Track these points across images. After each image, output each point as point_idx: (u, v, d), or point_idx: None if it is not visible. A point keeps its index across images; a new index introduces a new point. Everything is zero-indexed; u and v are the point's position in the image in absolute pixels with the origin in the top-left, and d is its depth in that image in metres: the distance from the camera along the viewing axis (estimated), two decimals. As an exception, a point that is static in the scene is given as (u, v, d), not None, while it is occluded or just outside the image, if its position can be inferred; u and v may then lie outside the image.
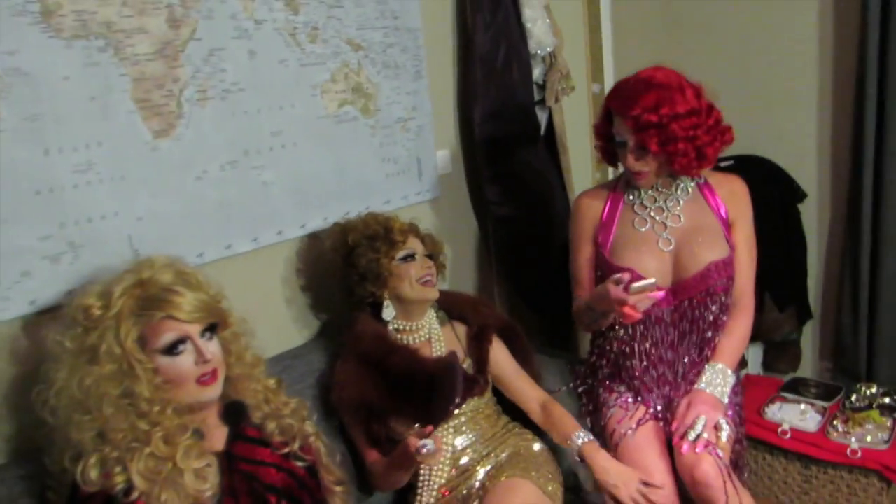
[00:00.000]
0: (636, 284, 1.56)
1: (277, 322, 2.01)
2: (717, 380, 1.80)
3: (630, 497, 1.67)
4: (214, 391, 1.38)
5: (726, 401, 1.80)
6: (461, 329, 1.92)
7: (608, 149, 1.88)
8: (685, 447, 1.69)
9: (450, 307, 1.92)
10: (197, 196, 1.79)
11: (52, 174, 1.55)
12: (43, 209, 1.54)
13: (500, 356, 1.90)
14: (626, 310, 1.57)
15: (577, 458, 1.75)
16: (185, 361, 1.33)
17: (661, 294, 1.58)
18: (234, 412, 1.46)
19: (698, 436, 1.69)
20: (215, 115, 1.79)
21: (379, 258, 1.77)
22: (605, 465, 1.72)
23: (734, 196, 1.86)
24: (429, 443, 1.50)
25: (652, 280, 1.59)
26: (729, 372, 1.82)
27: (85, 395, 1.27)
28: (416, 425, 1.60)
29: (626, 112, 1.71)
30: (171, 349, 1.32)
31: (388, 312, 1.83)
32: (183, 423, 1.32)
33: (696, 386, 1.81)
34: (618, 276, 1.62)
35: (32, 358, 1.53)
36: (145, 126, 1.68)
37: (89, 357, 1.29)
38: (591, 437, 1.77)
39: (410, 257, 1.80)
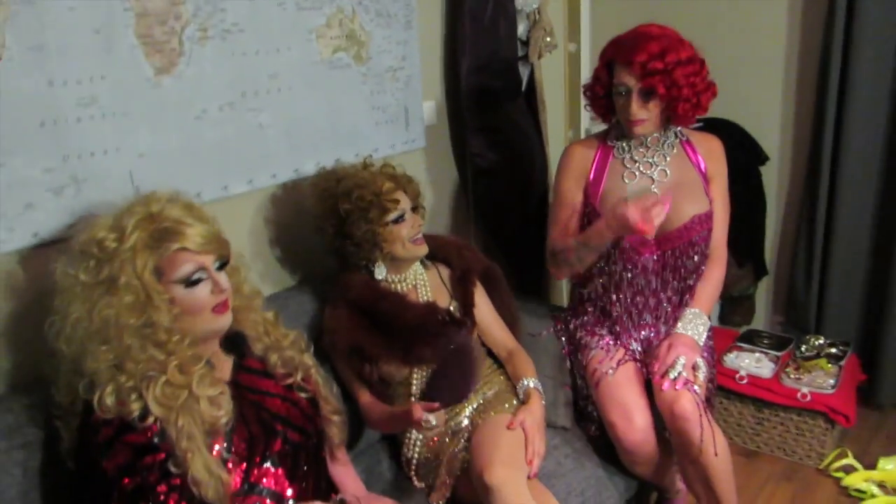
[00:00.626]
0: (632, 185, 1.62)
1: (269, 263, 2.05)
2: (694, 323, 1.92)
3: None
4: (228, 319, 1.43)
5: (702, 343, 1.93)
6: (445, 272, 1.98)
7: (603, 103, 1.94)
8: (666, 384, 1.81)
9: (434, 250, 1.95)
10: (196, 135, 1.80)
11: (56, 106, 1.54)
12: (47, 141, 1.53)
13: (479, 300, 1.97)
14: (640, 225, 1.61)
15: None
16: (202, 291, 1.37)
17: (667, 203, 1.65)
18: (234, 342, 1.51)
19: (678, 374, 1.81)
20: (215, 54, 1.80)
21: (373, 227, 1.79)
22: (532, 409, 1.79)
23: (712, 154, 1.97)
24: (433, 419, 1.56)
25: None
26: (705, 316, 1.95)
27: (104, 325, 1.30)
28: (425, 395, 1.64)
29: (631, 58, 1.77)
30: (190, 279, 1.35)
31: (381, 272, 1.87)
32: (197, 353, 1.37)
33: (675, 329, 1.93)
34: (620, 199, 1.68)
35: (34, 290, 1.54)
36: (147, 62, 1.67)
37: (106, 289, 1.31)
38: (539, 386, 1.86)
39: (401, 218, 1.83)
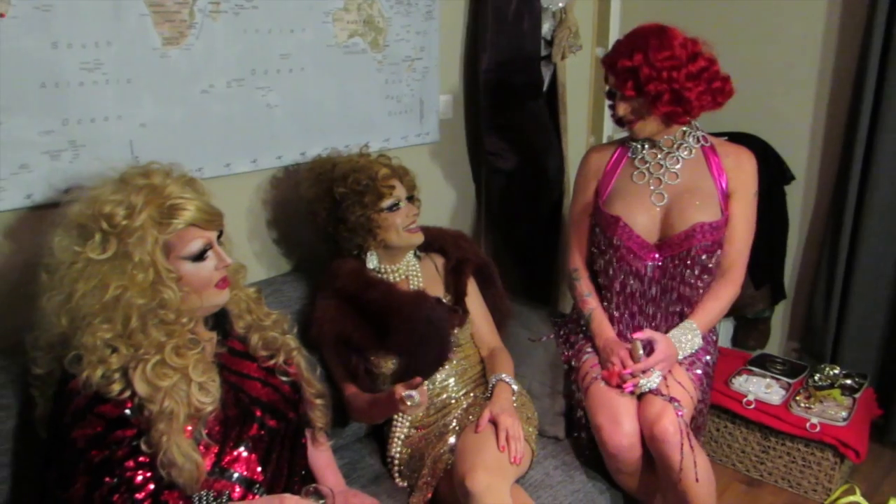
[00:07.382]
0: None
1: (266, 246, 2.01)
2: (685, 336, 1.85)
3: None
4: (228, 294, 1.42)
5: (681, 357, 1.85)
6: (439, 261, 1.93)
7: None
8: (629, 386, 1.78)
9: (429, 240, 1.91)
10: (201, 110, 1.77)
11: (58, 68, 1.52)
12: (47, 103, 1.52)
13: (471, 292, 1.92)
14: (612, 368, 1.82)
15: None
16: (208, 267, 1.36)
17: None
18: (218, 319, 1.47)
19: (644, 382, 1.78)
20: (227, 29, 1.77)
21: (368, 213, 1.75)
22: (497, 400, 1.75)
23: (739, 167, 1.88)
24: (415, 394, 1.53)
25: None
26: (699, 332, 1.86)
27: (113, 304, 1.26)
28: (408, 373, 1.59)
29: (606, 61, 1.81)
30: (200, 256, 1.34)
31: (373, 260, 1.83)
32: (195, 335, 1.35)
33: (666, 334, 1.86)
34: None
35: (22, 255, 1.51)
36: (156, 31, 1.65)
37: (115, 266, 1.28)
38: (509, 380, 1.81)
39: (396, 206, 1.79)
